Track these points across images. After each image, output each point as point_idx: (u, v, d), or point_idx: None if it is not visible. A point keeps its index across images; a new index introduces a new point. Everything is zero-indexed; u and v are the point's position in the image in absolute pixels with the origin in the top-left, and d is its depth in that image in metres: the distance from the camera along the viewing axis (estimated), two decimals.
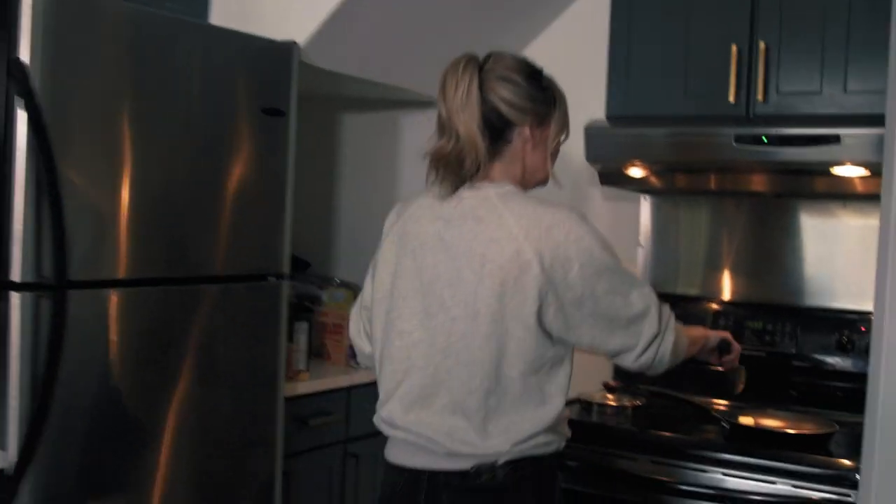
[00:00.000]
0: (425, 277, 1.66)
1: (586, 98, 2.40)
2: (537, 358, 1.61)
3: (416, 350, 1.66)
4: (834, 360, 2.61)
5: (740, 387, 2.35)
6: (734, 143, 2.35)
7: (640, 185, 2.80)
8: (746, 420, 2.39)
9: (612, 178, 2.69)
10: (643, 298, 1.66)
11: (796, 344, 2.67)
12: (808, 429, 2.34)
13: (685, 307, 2.72)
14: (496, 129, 1.64)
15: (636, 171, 2.61)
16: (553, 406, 1.63)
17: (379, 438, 1.78)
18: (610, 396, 2.64)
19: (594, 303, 1.60)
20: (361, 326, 1.87)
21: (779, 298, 2.79)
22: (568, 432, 1.73)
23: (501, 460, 1.62)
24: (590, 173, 2.77)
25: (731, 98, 2.46)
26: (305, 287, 3.28)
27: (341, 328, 3.01)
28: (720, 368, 2.17)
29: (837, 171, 2.34)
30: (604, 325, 1.63)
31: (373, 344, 1.77)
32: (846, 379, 2.58)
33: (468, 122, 1.59)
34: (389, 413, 1.69)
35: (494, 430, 1.61)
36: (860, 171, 2.33)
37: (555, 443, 1.68)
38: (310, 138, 3.12)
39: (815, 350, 2.64)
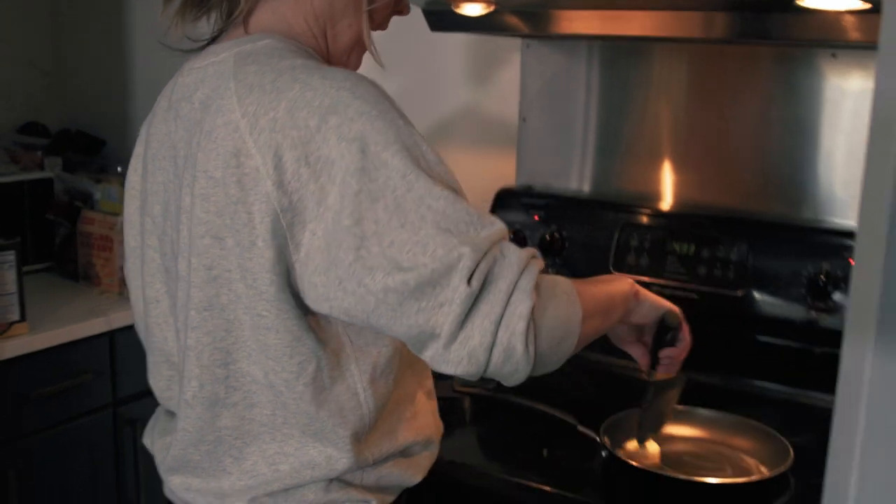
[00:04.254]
0: (156, 208, 1.09)
1: None
2: (290, 350, 0.95)
3: (168, 328, 1.11)
4: (807, 307, 1.60)
5: (666, 420, 1.38)
6: None
7: (501, 27, 1.70)
8: (654, 447, 1.38)
9: (446, 18, 1.60)
10: (452, 240, 0.86)
11: (747, 276, 1.66)
12: (749, 465, 1.35)
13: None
14: None
15: (472, 8, 1.50)
16: (342, 437, 0.99)
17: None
18: None
19: (357, 245, 0.86)
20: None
21: (732, 203, 1.77)
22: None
23: None
24: None
25: None
26: (75, 180, 2.51)
27: (111, 242, 2.25)
28: (643, 375, 1.26)
29: (809, 1, 1.23)
30: (374, 290, 0.87)
31: (135, 315, 1.20)
32: (828, 339, 1.58)
33: None
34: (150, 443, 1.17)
35: (233, 467, 1.03)
36: (853, 2, 1.21)
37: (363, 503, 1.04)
38: None
39: (782, 288, 1.63)
